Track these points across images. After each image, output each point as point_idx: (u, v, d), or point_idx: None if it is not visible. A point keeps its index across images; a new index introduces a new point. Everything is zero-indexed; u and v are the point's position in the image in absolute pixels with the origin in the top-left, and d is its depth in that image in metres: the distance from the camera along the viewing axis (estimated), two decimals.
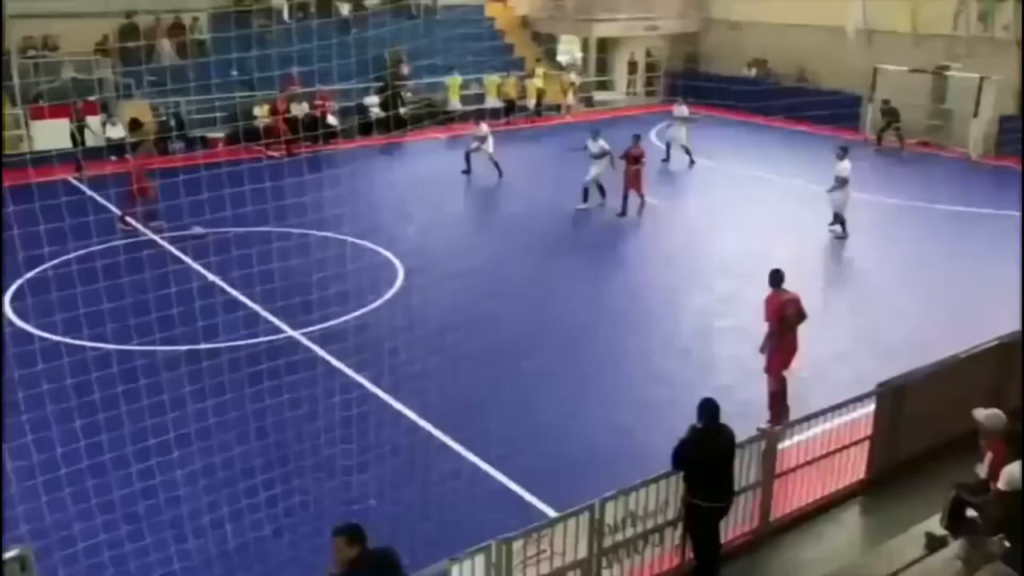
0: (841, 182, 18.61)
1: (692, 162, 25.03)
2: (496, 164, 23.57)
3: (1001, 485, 7.62)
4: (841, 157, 18.74)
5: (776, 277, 11.18)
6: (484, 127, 24.30)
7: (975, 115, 26.46)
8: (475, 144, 23.94)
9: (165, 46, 27.58)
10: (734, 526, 8.70)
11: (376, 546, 6.20)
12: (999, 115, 26.67)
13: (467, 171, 23.95)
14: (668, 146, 25.42)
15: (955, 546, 7.71)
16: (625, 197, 20.29)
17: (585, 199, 20.59)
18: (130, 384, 9.72)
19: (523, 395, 11.50)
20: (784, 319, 10.92)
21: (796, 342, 11.15)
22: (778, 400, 11.08)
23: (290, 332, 13.48)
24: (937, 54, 27.93)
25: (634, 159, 20.21)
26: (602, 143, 20.54)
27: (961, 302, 15.16)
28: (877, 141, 27.83)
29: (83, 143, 22.73)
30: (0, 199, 8.94)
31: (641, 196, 20.52)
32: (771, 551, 8.97)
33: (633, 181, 20.27)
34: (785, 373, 11.20)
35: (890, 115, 27.26)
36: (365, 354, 11.90)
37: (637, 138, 20.90)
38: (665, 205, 21.36)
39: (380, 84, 29.02)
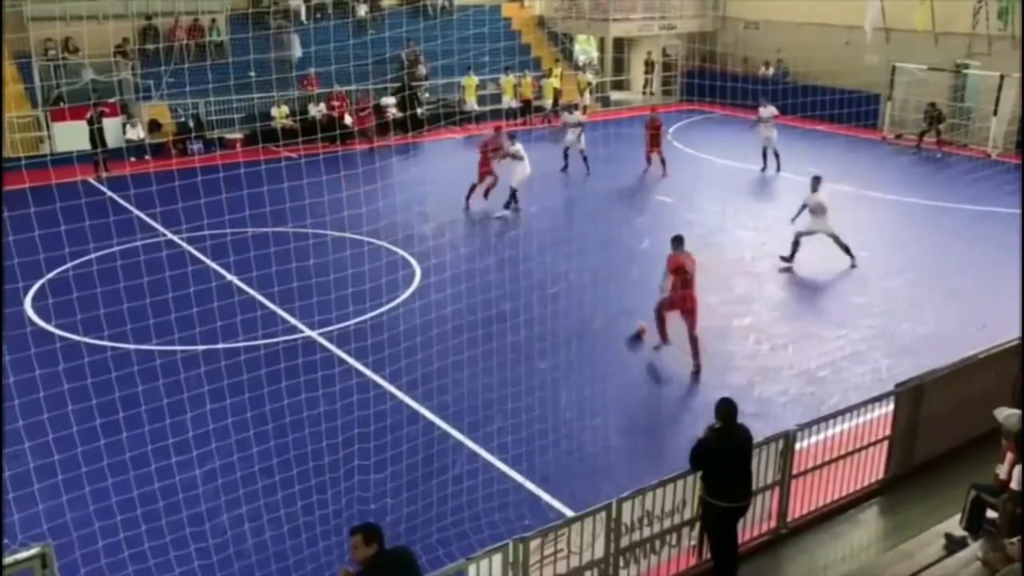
0: (820, 209, 16.70)
1: (778, 168, 24.20)
2: (585, 159, 23.89)
3: (1014, 485, 7.59)
4: (816, 188, 16.86)
5: (677, 241, 12.83)
6: (578, 115, 24.36)
7: (995, 113, 26.25)
8: (571, 136, 23.92)
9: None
10: (752, 526, 8.68)
11: (393, 545, 6.23)
12: (1019, 113, 26.45)
13: (565, 168, 24.16)
14: (765, 151, 24.48)
15: (975, 547, 7.66)
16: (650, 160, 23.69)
17: (507, 206, 20.42)
18: (149, 383, 9.83)
19: (539, 394, 11.50)
20: (684, 274, 12.58)
21: (694, 295, 12.73)
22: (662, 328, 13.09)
23: (308, 332, 13.54)
24: (956, 52, 27.73)
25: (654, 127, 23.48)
26: (519, 146, 20.57)
27: (980, 302, 15.04)
28: (918, 141, 27.54)
29: (103, 144, 22.92)
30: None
31: (661, 158, 23.62)
32: (789, 551, 8.93)
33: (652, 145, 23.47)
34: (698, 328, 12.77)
35: (933, 111, 27.03)
36: (382, 354, 11.94)
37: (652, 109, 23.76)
38: (679, 204, 21.31)
39: (397, 84, 29.10)
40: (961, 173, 24.09)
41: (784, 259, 16.96)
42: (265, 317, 13.71)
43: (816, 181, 16.97)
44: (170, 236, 16.99)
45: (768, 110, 24.30)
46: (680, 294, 12.61)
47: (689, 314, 12.65)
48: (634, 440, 10.94)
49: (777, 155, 24.35)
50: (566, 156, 24.17)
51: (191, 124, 25.96)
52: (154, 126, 26.01)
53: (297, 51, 28.87)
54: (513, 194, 20.44)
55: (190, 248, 16.37)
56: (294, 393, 10.31)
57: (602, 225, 19.76)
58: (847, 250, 16.88)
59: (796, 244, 16.88)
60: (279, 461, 9.69)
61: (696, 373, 12.60)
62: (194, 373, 10.32)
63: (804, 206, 16.93)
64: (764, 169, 24.55)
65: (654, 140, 23.68)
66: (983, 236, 18.95)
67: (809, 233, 16.80)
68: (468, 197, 20.85)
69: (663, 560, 8.20)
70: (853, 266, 16.88)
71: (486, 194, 20.77)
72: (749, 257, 17.55)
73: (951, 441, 10.15)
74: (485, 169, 20.85)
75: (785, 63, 32.70)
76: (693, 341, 12.67)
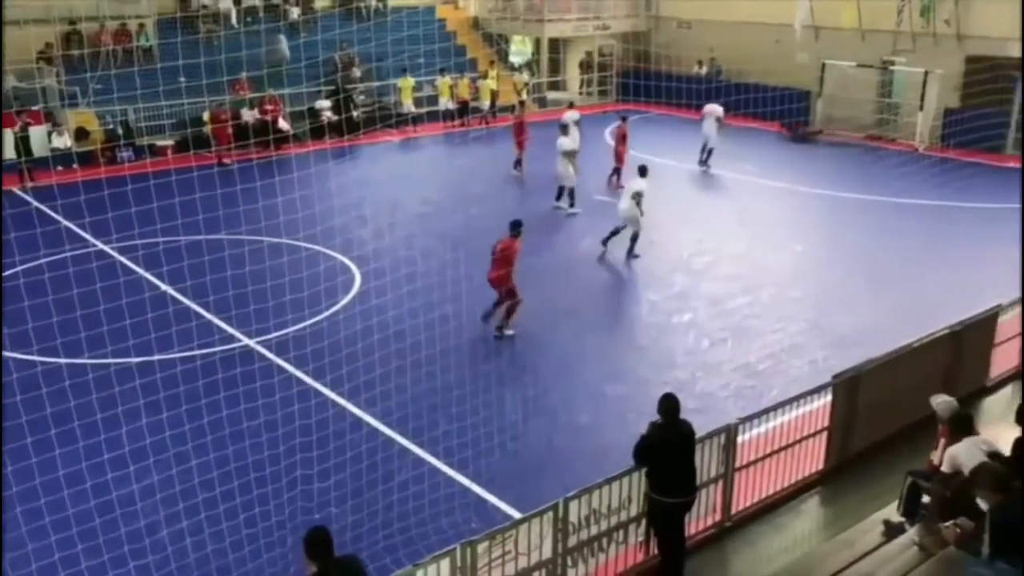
0: (637, 197, 17.26)
1: (703, 163, 24.71)
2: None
3: (945, 468, 7.77)
4: (643, 174, 17.60)
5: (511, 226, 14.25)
6: (576, 113, 23.09)
7: (921, 108, 26.97)
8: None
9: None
10: (697, 520, 8.76)
11: (341, 554, 6.16)
12: (943, 108, 27.23)
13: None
14: (711, 149, 25.00)
15: (912, 532, 7.83)
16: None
17: (559, 197, 21.02)
18: (82, 398, 9.54)
19: (483, 397, 11.47)
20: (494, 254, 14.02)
21: (500, 272, 13.85)
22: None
23: (245, 340, 13.31)
24: (882, 49, 28.44)
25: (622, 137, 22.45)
26: (561, 140, 20.90)
27: (911, 292, 15.43)
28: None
29: (28, 153, 22.25)
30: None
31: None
32: (734, 543, 9.04)
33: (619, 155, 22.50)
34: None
35: None
36: (323, 361, 11.79)
37: (623, 119, 22.79)
38: (618, 203, 21.45)
39: (331, 87, 28.83)
40: (890, 167, 24.69)
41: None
42: (201, 327, 13.44)
43: (643, 170, 17.70)
44: (100, 246, 16.58)
45: (713, 108, 25.01)
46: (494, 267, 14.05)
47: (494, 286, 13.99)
48: (579, 439, 10.98)
49: (707, 148, 24.91)
50: None
51: (120, 131, 25.33)
52: (81, 134, 25.33)
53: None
54: (559, 192, 20.92)
55: (121, 258, 15.98)
56: (233, 404, 10.12)
57: (541, 225, 19.83)
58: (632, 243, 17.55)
59: (617, 232, 17.64)
60: (220, 474, 9.48)
61: (486, 318, 13.92)
62: (129, 386, 10.04)
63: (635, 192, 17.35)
64: (703, 163, 24.94)
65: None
66: (912, 228, 19.45)
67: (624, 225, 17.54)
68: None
69: (611, 558, 8.23)
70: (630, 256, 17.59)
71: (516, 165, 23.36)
72: (686, 255, 17.76)
73: (887, 429, 10.39)
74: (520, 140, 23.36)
75: (718, 62, 33.16)
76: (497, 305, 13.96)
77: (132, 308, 10.73)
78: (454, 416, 10.84)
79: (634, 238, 17.57)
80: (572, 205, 20.70)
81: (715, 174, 24.39)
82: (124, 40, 27.29)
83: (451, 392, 11.31)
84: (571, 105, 24.46)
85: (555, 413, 11.58)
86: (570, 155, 20.68)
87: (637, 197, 17.29)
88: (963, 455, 7.67)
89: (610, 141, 23.78)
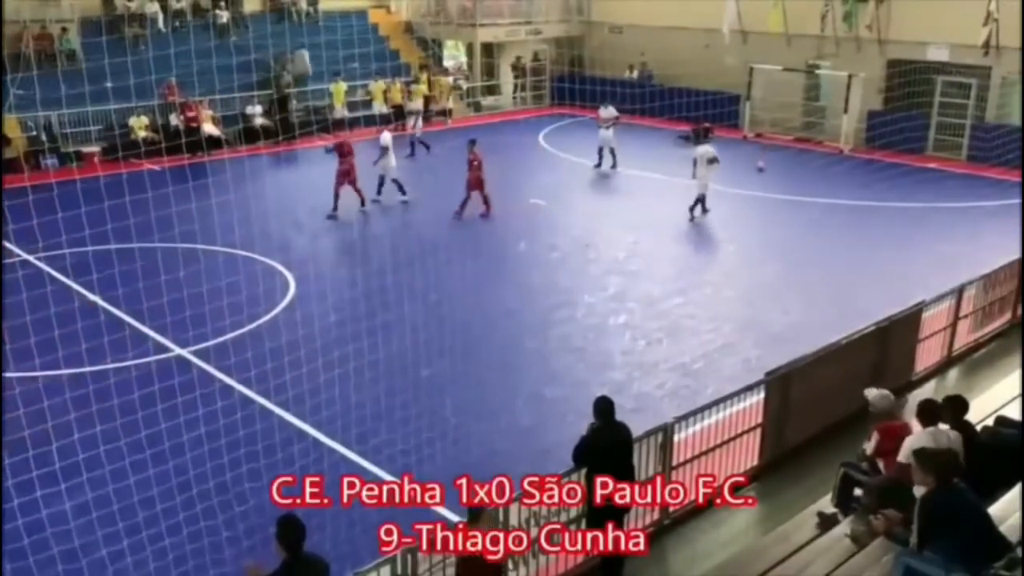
0: (710, 161, 19.91)
1: (614, 164, 25.10)
2: (424, 144, 26.35)
3: (902, 458, 7.73)
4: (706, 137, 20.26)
5: None
6: (389, 135, 22.29)
7: (845, 111, 27.71)
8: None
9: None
10: (636, 519, 8.87)
11: (311, 551, 6.26)
12: (867, 110, 28.02)
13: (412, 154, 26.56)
14: (600, 150, 25.34)
15: (845, 524, 8.04)
16: (465, 200, 20.38)
17: (379, 192, 21.59)
18: (10, 413, 9.29)
19: (423, 403, 11.46)
20: None
21: None
22: None
23: (179, 350, 13.06)
24: (807, 53, 29.14)
25: (469, 164, 20.36)
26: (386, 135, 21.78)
27: (839, 289, 15.85)
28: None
29: None
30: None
31: (483, 196, 20.50)
32: (673, 541, 9.17)
33: (472, 183, 20.35)
34: None
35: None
36: (259, 369, 11.64)
37: (472, 143, 20.79)
38: (553, 206, 21.61)
39: (264, 92, 28.46)
40: (817, 168, 25.30)
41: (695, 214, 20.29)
42: (133, 337, 13.14)
43: (705, 132, 20.19)
44: (25, 256, 16.12)
45: (608, 111, 25.59)
46: None
47: None
48: (519, 441, 11.03)
49: (612, 151, 25.29)
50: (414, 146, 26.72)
51: (43, 138, 24.62)
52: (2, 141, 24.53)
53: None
54: (394, 183, 21.44)
55: (48, 268, 15.57)
56: (171, 416, 9.94)
57: (476, 229, 19.87)
58: (701, 204, 20.25)
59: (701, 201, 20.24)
60: (159, 490, 9.28)
61: None
62: (59, 400, 9.80)
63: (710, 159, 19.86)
64: (598, 165, 25.40)
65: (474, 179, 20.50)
66: (839, 227, 19.97)
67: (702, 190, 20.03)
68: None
69: (551, 560, 8.29)
70: (703, 213, 20.31)
71: (361, 200, 21.25)
72: (622, 256, 17.96)
73: (819, 424, 10.65)
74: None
75: (649, 66, 33.57)
76: None
77: (61, 318, 10.47)
78: (395, 423, 10.81)
79: (701, 200, 20.14)
80: (403, 192, 21.53)
81: (651, 177, 24.69)
82: (46, 43, 26.53)
83: (391, 399, 11.28)
84: (389, 123, 23.67)
85: (496, 416, 11.62)
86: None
87: (714, 162, 19.80)
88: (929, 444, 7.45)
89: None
